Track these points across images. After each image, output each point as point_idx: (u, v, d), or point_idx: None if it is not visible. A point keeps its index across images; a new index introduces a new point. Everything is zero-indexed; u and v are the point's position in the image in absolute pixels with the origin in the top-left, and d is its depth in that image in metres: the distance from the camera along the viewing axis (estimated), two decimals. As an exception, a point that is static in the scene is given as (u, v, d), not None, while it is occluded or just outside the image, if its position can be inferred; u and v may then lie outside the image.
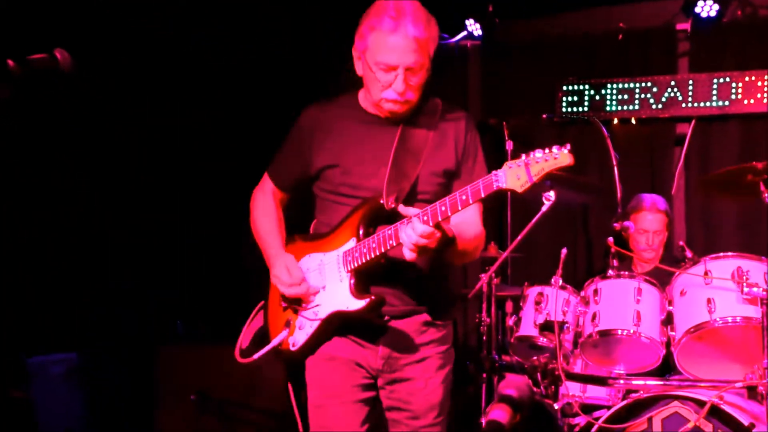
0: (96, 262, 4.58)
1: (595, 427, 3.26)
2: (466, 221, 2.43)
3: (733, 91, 4.90)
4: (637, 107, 5.08)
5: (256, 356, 2.54)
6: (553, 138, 5.27)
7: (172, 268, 4.88)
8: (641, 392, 3.30)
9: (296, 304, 2.51)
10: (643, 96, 5.06)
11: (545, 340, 3.67)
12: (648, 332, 3.40)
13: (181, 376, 4.50)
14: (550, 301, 3.68)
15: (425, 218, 2.18)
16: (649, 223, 4.24)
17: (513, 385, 3.70)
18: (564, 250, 3.70)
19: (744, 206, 4.81)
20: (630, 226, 4.10)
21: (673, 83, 5.02)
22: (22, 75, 1.90)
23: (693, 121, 5.04)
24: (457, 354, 4.83)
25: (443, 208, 2.17)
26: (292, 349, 2.50)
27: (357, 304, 2.36)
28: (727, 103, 4.92)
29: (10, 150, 3.91)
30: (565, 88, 5.21)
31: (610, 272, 3.61)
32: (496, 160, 5.76)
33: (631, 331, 3.39)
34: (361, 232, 2.37)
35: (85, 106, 4.42)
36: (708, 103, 4.96)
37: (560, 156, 2.10)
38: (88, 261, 4.53)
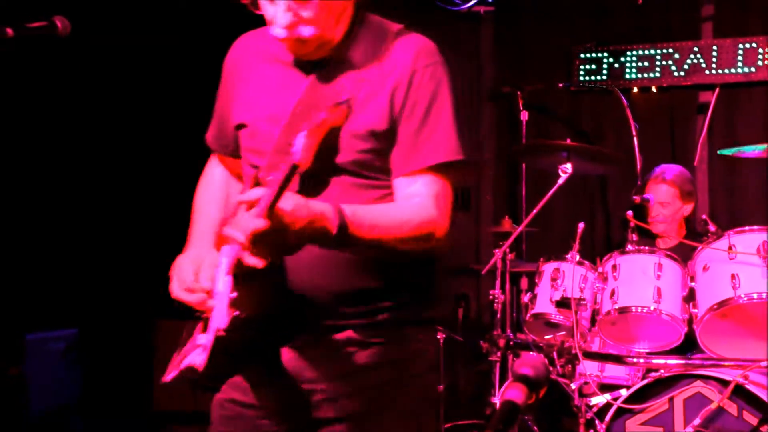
0: (95, 238, 4.55)
1: (614, 407, 3.21)
2: (406, 199, 1.77)
3: (760, 57, 4.74)
4: (658, 75, 4.94)
5: (169, 377, 1.98)
6: (570, 107, 5.16)
7: (170, 241, 4.84)
8: (662, 371, 3.22)
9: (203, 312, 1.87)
10: (664, 63, 4.92)
11: (561, 317, 3.59)
12: (669, 309, 3.32)
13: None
14: (566, 277, 3.59)
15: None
16: (655, 193, 4.12)
17: (529, 363, 3.58)
18: (581, 224, 3.60)
19: (771, 178, 4.66)
20: (650, 198, 4.02)
21: (696, 49, 4.87)
22: (16, 39, 1.87)
23: (717, 89, 4.89)
24: (471, 332, 4.82)
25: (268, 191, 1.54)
26: (199, 371, 1.79)
27: (224, 320, 1.67)
28: (753, 69, 4.76)
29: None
30: (582, 55, 5.07)
31: (629, 247, 3.53)
32: (509, 131, 5.66)
33: (652, 308, 3.31)
34: None
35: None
36: (733, 70, 4.80)
37: (333, 114, 1.52)
38: (88, 236, 4.50)
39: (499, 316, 4.03)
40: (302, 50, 1.80)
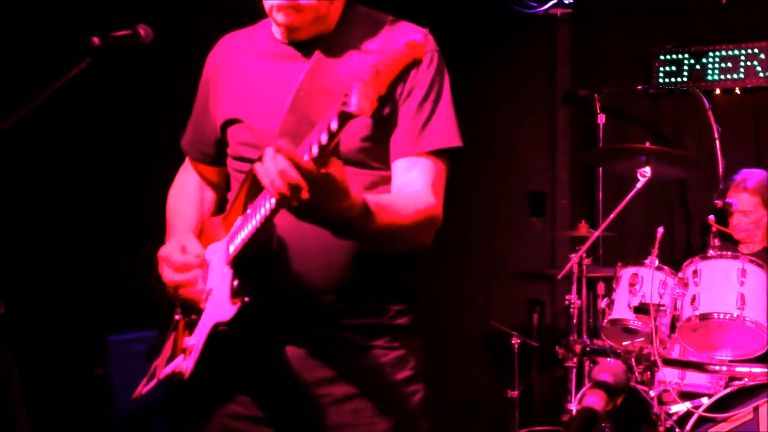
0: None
1: (695, 415, 3.15)
2: (406, 190, 1.72)
3: None
4: (741, 76, 4.80)
5: (145, 390, 1.96)
6: (649, 110, 5.06)
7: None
8: (746, 380, 3.14)
9: (190, 313, 1.82)
10: (748, 63, 4.78)
11: (640, 323, 3.54)
12: (753, 316, 3.25)
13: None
14: (645, 283, 3.54)
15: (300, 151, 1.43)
16: (736, 201, 4.00)
17: (608, 370, 3.52)
18: (660, 229, 3.56)
19: None
20: (733, 202, 3.91)
21: (782, 49, 4.71)
22: (101, 48, 1.94)
23: (805, 90, 4.72)
24: (546, 337, 4.77)
25: (312, 142, 1.41)
26: (185, 377, 1.79)
27: (229, 311, 1.64)
28: (843, 68, 4.59)
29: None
30: (662, 56, 4.97)
31: (711, 252, 3.45)
32: (586, 135, 5.57)
33: (735, 315, 3.25)
34: (248, 208, 1.67)
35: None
36: (822, 70, 4.63)
37: (410, 49, 1.33)
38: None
39: (575, 321, 3.98)
40: (297, 22, 1.74)
